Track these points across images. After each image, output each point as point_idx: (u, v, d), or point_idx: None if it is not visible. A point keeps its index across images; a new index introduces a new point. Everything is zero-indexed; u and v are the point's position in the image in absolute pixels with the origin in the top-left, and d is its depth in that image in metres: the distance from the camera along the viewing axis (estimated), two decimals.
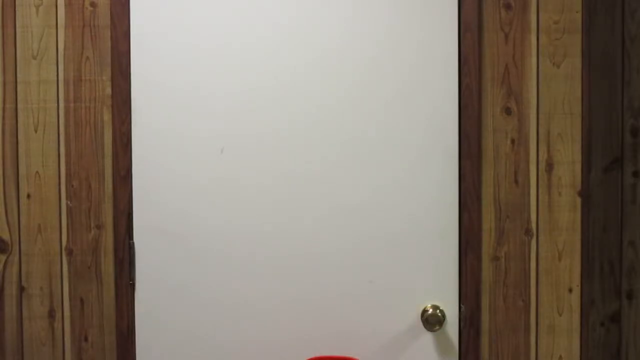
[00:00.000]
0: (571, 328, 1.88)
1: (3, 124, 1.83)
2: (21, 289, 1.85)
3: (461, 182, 1.83)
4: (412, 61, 1.83)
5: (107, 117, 1.84)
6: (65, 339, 1.85)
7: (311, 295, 1.83)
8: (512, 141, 1.87)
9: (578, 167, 1.88)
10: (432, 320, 1.81)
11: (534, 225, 1.87)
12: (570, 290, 1.89)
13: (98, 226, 1.84)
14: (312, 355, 1.83)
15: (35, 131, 1.84)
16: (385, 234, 1.83)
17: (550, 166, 1.87)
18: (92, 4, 1.83)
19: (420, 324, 1.84)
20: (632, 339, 1.92)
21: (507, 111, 1.87)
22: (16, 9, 1.83)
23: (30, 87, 1.83)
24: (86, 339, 1.85)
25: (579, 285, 1.89)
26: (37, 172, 1.84)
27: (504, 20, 1.87)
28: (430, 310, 1.82)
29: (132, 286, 1.84)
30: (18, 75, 1.83)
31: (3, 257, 1.84)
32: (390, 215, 1.83)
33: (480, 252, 1.85)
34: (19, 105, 1.84)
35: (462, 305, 1.84)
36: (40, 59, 1.83)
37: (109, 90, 1.83)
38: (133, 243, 1.83)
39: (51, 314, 1.85)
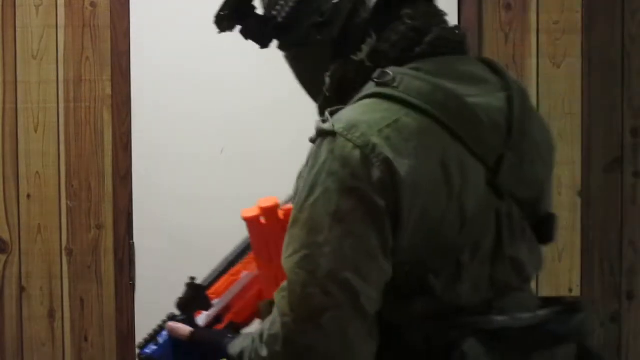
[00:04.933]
0: None
1: (3, 124, 1.83)
2: (21, 289, 1.85)
3: None
4: None
5: (107, 117, 1.84)
6: (65, 339, 1.85)
7: None
8: None
9: (578, 167, 1.88)
10: None
11: None
12: (570, 290, 1.88)
13: (98, 226, 1.84)
14: None
15: (36, 131, 1.84)
16: None
17: None
18: (92, 4, 1.83)
19: None
20: (632, 339, 1.92)
21: None
22: (16, 9, 1.82)
23: (30, 87, 1.83)
24: (86, 339, 1.85)
25: (579, 285, 1.88)
26: (37, 172, 1.83)
27: (504, 20, 1.87)
28: None
29: (132, 286, 1.84)
30: (18, 75, 1.83)
31: (3, 257, 1.84)
32: None
33: None
34: (19, 105, 1.83)
35: None
36: (40, 59, 1.83)
37: (109, 90, 1.83)
38: (133, 243, 1.83)
39: (51, 314, 1.85)
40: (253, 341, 0.69)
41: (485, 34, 1.86)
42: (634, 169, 1.90)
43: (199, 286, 0.90)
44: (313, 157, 0.70)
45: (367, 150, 0.64)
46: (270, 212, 0.83)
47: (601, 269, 1.90)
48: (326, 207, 0.64)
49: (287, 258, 0.66)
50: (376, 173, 0.63)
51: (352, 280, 0.63)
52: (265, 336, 0.67)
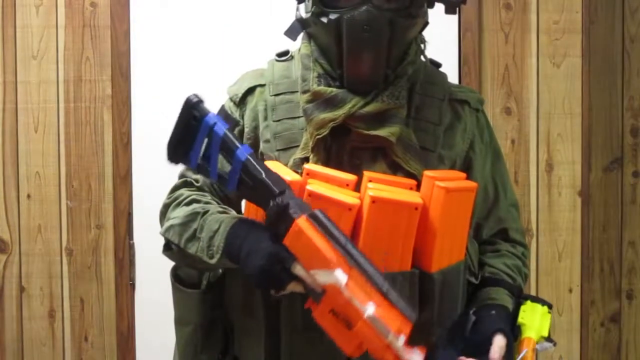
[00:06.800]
0: (571, 328, 1.88)
1: (3, 124, 1.83)
2: (21, 289, 1.85)
3: None
4: None
5: (107, 117, 1.84)
6: (65, 339, 1.85)
7: None
8: (512, 141, 1.87)
9: (578, 167, 1.88)
10: None
11: (534, 226, 1.87)
12: (570, 290, 1.88)
13: (98, 226, 1.84)
14: None
15: (36, 131, 1.84)
16: None
17: (550, 166, 1.87)
18: (92, 4, 1.83)
19: None
20: (632, 339, 1.92)
21: (507, 111, 1.87)
22: (16, 9, 1.82)
23: (30, 87, 1.83)
24: (86, 339, 1.85)
25: (579, 285, 1.88)
26: (37, 172, 1.83)
27: (504, 20, 1.87)
28: None
29: (132, 286, 1.84)
30: (18, 75, 1.83)
31: (3, 257, 1.84)
32: None
33: None
34: (19, 105, 1.83)
35: None
36: (40, 59, 1.83)
37: (109, 90, 1.83)
38: (133, 243, 1.83)
39: (51, 314, 1.85)
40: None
41: (485, 34, 1.86)
42: (634, 169, 1.90)
43: None
44: (488, 125, 1.02)
45: None
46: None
47: (601, 269, 1.90)
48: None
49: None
50: None
51: None
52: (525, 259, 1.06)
